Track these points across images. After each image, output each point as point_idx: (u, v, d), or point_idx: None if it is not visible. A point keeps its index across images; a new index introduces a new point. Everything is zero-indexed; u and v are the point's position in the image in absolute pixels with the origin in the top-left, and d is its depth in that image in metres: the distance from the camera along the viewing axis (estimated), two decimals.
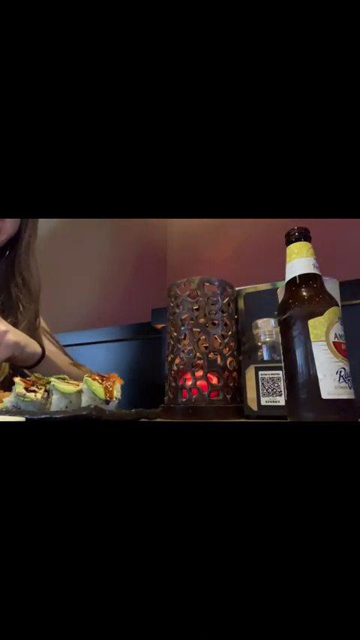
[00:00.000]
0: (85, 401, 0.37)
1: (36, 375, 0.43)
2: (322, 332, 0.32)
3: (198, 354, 0.50)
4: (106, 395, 0.37)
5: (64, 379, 0.41)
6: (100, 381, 0.38)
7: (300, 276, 0.36)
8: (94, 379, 0.38)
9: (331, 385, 0.31)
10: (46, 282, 0.74)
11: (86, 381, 0.37)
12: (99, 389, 0.37)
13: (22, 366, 0.60)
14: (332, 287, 0.42)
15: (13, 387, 0.39)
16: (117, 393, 0.39)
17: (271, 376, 0.45)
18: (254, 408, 0.45)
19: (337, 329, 0.33)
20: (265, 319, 0.50)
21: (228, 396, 0.49)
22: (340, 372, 0.31)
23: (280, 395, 0.44)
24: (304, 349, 0.33)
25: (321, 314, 0.33)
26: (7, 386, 0.55)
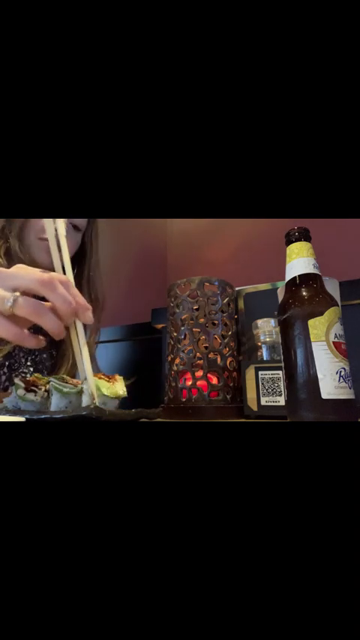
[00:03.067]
0: (85, 401, 0.37)
1: (36, 375, 0.43)
2: (322, 332, 0.32)
3: (198, 354, 0.50)
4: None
5: (62, 379, 0.41)
6: (106, 379, 0.38)
7: (300, 276, 0.36)
8: (100, 378, 0.38)
9: (331, 385, 0.31)
10: None
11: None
12: (109, 387, 0.37)
13: None
14: (332, 287, 0.42)
15: (13, 387, 0.39)
16: (122, 392, 0.39)
17: (271, 376, 0.45)
18: (254, 408, 0.45)
19: (337, 329, 0.33)
20: (265, 319, 0.50)
21: (228, 396, 0.49)
22: (340, 372, 0.32)
23: (280, 395, 0.44)
24: (304, 349, 0.33)
25: (321, 314, 0.33)
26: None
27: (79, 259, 0.71)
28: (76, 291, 0.36)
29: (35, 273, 0.34)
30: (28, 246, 0.62)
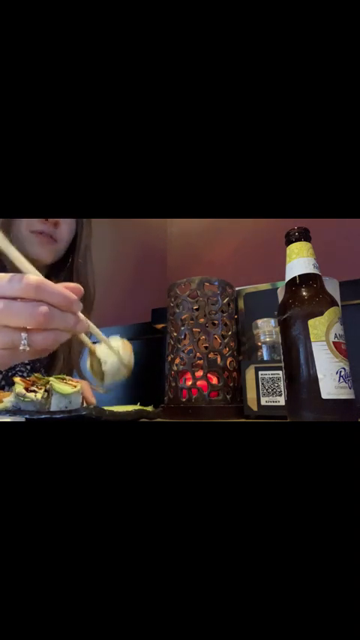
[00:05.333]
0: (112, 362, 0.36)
1: (36, 375, 0.43)
2: (322, 332, 0.32)
3: (198, 354, 0.50)
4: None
5: (63, 379, 0.41)
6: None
7: (300, 276, 0.36)
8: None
9: (331, 385, 0.31)
10: None
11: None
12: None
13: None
14: (332, 287, 0.42)
15: (13, 387, 0.39)
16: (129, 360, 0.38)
17: (271, 376, 0.45)
18: (254, 408, 0.45)
19: (337, 329, 0.33)
20: (265, 319, 0.50)
21: (228, 396, 0.49)
22: (340, 372, 0.31)
23: (280, 395, 0.44)
24: (304, 349, 0.33)
25: (321, 314, 0.33)
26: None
27: (70, 245, 0.69)
28: (54, 289, 0.30)
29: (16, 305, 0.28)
30: (18, 240, 0.60)
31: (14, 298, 0.28)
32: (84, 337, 0.37)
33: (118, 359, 0.36)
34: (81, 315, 0.31)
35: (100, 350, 0.36)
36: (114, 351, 0.36)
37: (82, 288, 0.31)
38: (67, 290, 0.30)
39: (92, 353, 0.36)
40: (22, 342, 0.29)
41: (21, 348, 0.29)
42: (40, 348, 0.30)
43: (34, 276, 0.29)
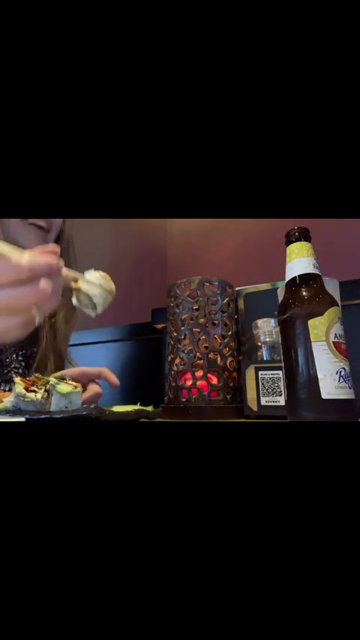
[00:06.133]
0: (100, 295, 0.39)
1: (36, 375, 0.43)
2: (322, 332, 0.32)
3: (198, 354, 0.50)
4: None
5: (63, 379, 0.41)
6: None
7: (300, 276, 0.36)
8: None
9: (331, 385, 0.31)
10: None
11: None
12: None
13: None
14: (332, 287, 0.42)
15: (13, 387, 0.39)
16: (110, 289, 0.41)
17: (271, 376, 0.45)
18: (254, 408, 0.45)
19: (337, 329, 0.33)
20: (265, 319, 0.50)
21: (228, 396, 0.49)
22: (340, 372, 0.31)
23: (280, 395, 0.44)
24: (304, 349, 0.33)
25: (321, 314, 0.33)
26: None
27: (59, 235, 0.71)
28: (40, 261, 0.32)
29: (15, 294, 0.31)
30: (9, 230, 0.61)
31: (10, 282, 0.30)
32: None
33: (101, 290, 0.40)
34: (64, 270, 0.35)
35: (85, 286, 0.40)
36: (96, 285, 0.40)
37: (57, 248, 0.34)
38: (48, 255, 0.32)
39: (78, 290, 0.40)
40: (37, 316, 0.32)
41: (37, 320, 0.32)
42: (52, 310, 0.34)
43: (21, 257, 0.31)
